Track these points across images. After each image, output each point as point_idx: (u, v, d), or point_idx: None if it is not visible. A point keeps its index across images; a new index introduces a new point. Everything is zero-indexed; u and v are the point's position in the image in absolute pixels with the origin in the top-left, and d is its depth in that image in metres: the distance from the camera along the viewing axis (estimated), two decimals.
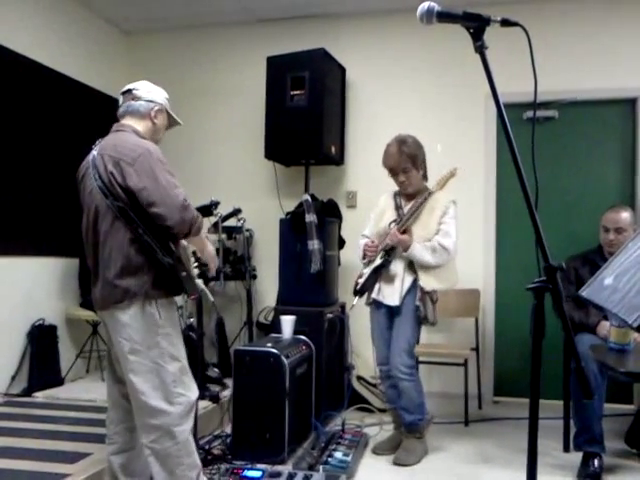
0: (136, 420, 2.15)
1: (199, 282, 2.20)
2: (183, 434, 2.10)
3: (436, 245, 2.98)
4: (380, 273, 3.10)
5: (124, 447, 2.26)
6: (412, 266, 3.05)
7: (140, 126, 2.22)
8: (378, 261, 3.08)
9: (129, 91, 2.25)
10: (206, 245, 2.34)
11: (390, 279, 3.08)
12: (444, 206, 3.05)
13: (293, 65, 4.11)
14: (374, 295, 3.14)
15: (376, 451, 3.19)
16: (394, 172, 3.10)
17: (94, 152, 2.13)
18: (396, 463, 3.02)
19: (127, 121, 2.23)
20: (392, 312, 3.11)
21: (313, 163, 4.37)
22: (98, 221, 2.09)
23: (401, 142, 3.07)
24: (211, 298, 2.59)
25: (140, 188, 1.99)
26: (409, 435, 3.12)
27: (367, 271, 3.13)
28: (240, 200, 4.10)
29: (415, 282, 3.03)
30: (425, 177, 3.18)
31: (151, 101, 2.23)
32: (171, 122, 2.38)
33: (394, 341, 3.06)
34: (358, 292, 3.15)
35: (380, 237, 3.13)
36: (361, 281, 3.14)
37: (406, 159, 3.04)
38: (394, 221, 3.10)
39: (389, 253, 3.07)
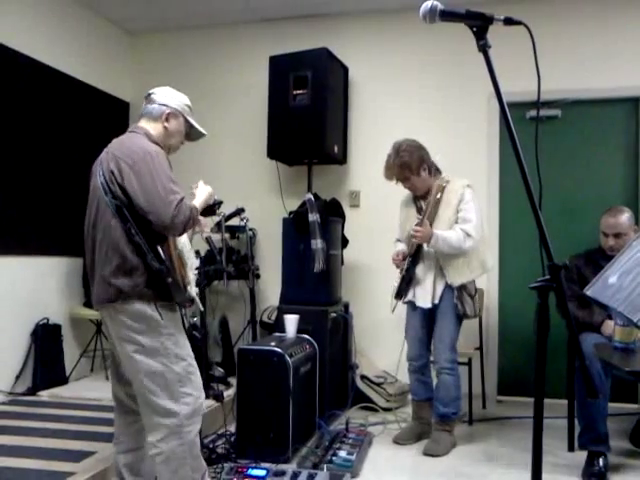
0: (143, 419, 2.16)
1: (192, 290, 2.20)
2: (189, 435, 2.11)
3: (459, 232, 3.06)
4: (412, 276, 3.21)
5: (131, 446, 2.28)
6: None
7: (153, 129, 2.24)
8: (405, 265, 3.22)
9: (149, 95, 2.29)
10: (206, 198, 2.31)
11: (422, 282, 3.21)
12: (459, 193, 3.14)
13: (296, 64, 4.11)
14: (409, 297, 3.28)
15: (397, 441, 3.29)
16: (398, 180, 3.22)
17: (105, 150, 2.17)
18: (426, 453, 3.12)
19: (142, 123, 2.26)
20: (425, 312, 3.22)
21: (316, 162, 4.37)
22: (98, 218, 2.11)
23: (395, 152, 3.18)
24: (201, 308, 2.60)
25: (134, 190, 2.01)
26: (439, 427, 3.22)
27: (399, 276, 3.28)
28: (243, 199, 4.09)
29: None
30: (432, 173, 3.23)
31: (164, 105, 2.25)
32: (193, 133, 2.37)
33: (438, 338, 3.19)
34: (396, 296, 3.29)
35: (407, 241, 3.25)
36: (396, 285, 3.29)
37: (400, 170, 3.15)
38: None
39: (414, 256, 3.19)
